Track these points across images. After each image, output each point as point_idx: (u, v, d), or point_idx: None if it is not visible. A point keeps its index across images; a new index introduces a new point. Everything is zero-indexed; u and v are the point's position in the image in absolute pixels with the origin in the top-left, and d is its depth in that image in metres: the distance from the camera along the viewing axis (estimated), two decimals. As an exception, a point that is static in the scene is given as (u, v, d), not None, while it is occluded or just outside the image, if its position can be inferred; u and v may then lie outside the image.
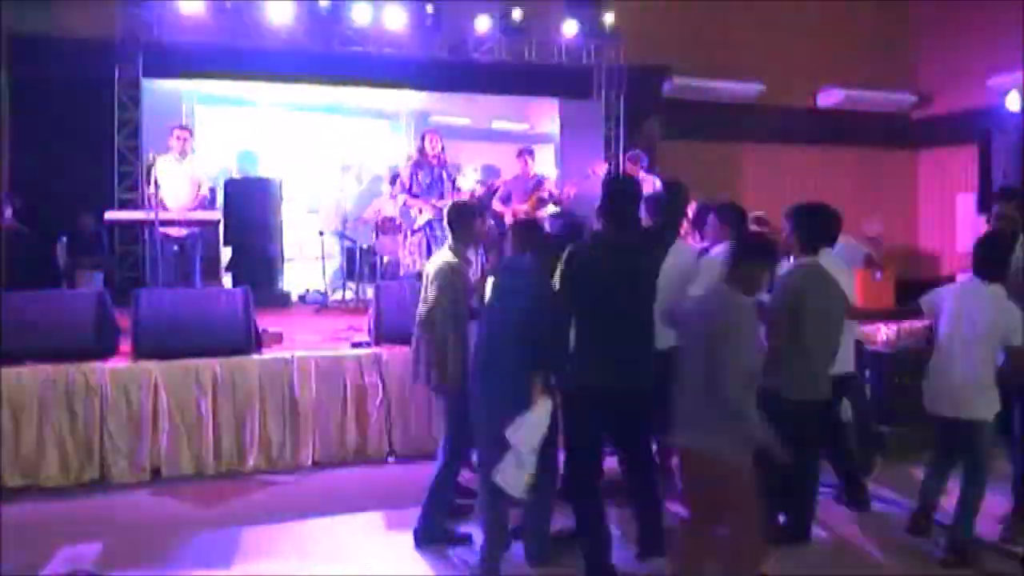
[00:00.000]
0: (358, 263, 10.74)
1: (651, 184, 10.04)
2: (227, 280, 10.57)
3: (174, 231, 8.93)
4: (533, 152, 10.60)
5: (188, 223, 9.02)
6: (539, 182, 10.29)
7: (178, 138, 9.14)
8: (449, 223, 5.62)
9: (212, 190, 10.08)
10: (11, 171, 10.25)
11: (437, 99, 13.59)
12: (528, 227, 5.43)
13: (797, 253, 5.21)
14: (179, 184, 9.00)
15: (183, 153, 9.14)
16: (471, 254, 6.39)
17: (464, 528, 5.56)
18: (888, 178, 14.92)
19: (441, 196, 9.38)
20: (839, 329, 5.15)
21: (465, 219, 5.55)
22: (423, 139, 9.80)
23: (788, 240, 5.30)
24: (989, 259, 5.21)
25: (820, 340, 5.02)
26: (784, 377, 4.97)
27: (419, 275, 6.63)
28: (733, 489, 4.16)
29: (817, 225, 5.27)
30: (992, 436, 5.22)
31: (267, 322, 7.87)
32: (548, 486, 4.95)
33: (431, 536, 5.39)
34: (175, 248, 9.06)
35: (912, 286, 8.22)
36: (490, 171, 12.61)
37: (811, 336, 4.96)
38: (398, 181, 10.42)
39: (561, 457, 4.96)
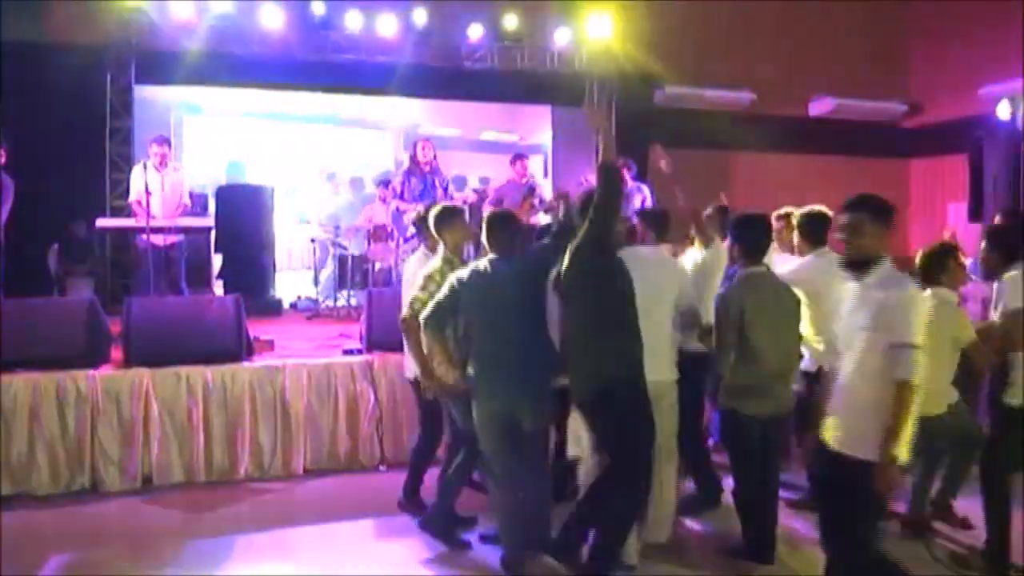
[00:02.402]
0: (350, 270, 10.73)
1: (640, 192, 10.08)
2: (218, 288, 10.55)
3: (158, 239, 8.95)
4: (527, 157, 10.61)
5: (179, 230, 9.04)
6: (531, 188, 10.30)
7: (156, 152, 9.20)
8: (436, 227, 5.54)
9: (197, 197, 10.12)
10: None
11: (427, 109, 13.61)
12: (505, 219, 5.23)
13: (740, 263, 5.17)
14: (160, 194, 9.01)
15: (162, 164, 9.19)
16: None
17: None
18: (879, 187, 14.70)
19: (433, 203, 9.37)
20: (791, 338, 5.17)
21: (451, 220, 5.54)
22: (415, 147, 9.83)
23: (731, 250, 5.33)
24: (923, 268, 5.46)
25: (770, 353, 5.00)
26: (743, 395, 5.01)
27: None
28: None
29: (756, 235, 5.21)
30: (954, 426, 5.41)
31: (258, 330, 7.87)
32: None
33: (440, 526, 5.45)
34: (163, 256, 9.08)
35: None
36: (460, 181, 12.64)
37: (759, 350, 4.96)
38: (390, 187, 10.44)
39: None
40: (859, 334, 3.80)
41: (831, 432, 3.93)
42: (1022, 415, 4.92)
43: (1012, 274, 5.04)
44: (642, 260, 5.08)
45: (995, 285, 5.28)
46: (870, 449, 3.68)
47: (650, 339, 4.77)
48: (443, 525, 5.50)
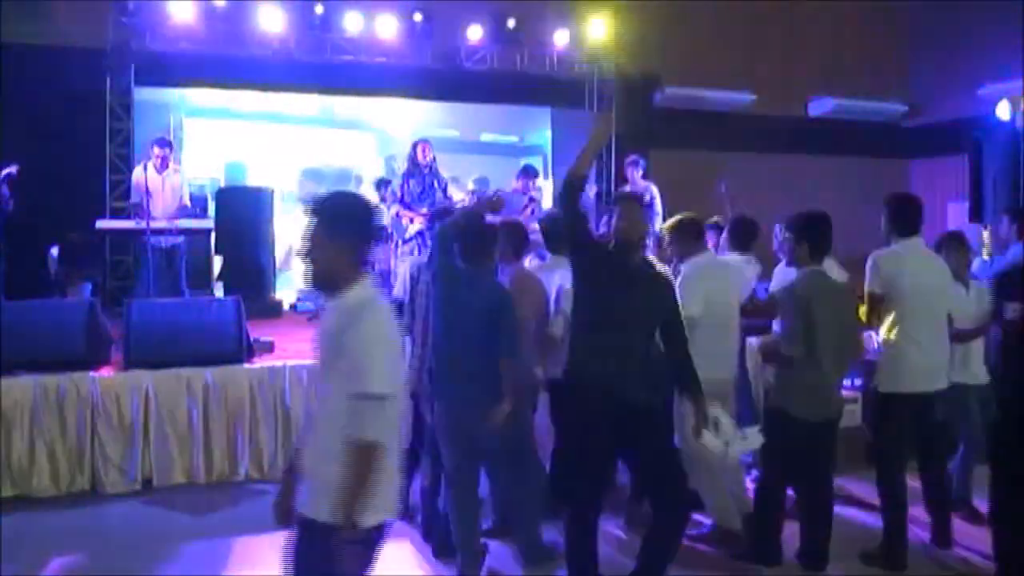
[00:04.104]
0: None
1: (647, 191, 10.06)
2: (219, 289, 10.54)
3: (159, 241, 8.95)
4: (537, 175, 10.54)
5: (179, 232, 9.04)
6: (531, 200, 10.27)
7: (158, 154, 9.21)
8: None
9: (197, 199, 10.12)
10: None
11: (427, 110, 13.59)
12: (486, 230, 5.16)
13: (804, 262, 5.04)
14: (160, 195, 9.01)
15: (163, 165, 9.20)
16: None
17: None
18: (879, 187, 14.90)
19: (432, 205, 9.38)
20: (847, 342, 5.08)
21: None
22: (415, 148, 9.81)
23: (784, 249, 5.26)
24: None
25: (830, 354, 4.90)
26: (798, 396, 4.91)
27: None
28: None
29: (823, 232, 5.09)
30: None
31: (259, 331, 7.86)
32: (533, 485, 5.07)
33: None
34: (162, 257, 9.08)
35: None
36: (482, 183, 12.63)
37: (821, 350, 4.85)
38: (389, 189, 10.43)
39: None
40: (324, 371, 3.15)
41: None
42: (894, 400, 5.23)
43: (874, 255, 5.35)
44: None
45: None
46: (330, 510, 2.99)
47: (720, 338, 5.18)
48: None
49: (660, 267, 4.86)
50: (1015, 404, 4.61)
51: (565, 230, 4.78)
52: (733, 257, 6.45)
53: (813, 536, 5.14)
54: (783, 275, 6.05)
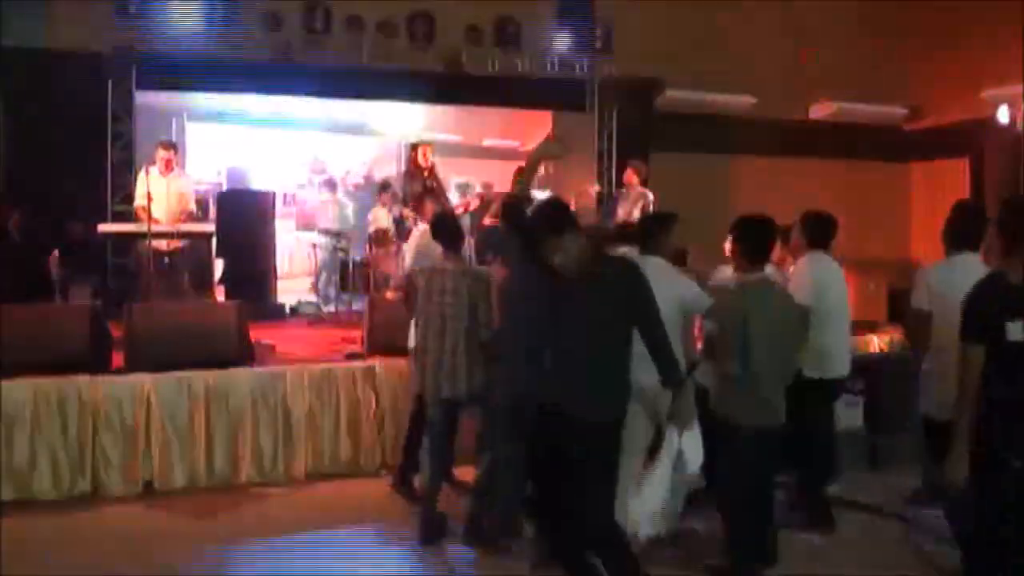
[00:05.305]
0: (352, 275, 10.73)
1: (644, 197, 10.05)
2: (220, 293, 10.54)
3: (163, 245, 8.95)
4: None
5: (181, 235, 9.04)
6: (531, 202, 10.25)
7: (162, 156, 9.19)
8: (439, 236, 5.70)
9: (197, 202, 10.13)
10: (5, 184, 10.24)
11: (428, 115, 13.58)
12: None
13: (743, 268, 4.91)
14: (164, 198, 9.01)
15: (168, 168, 9.19)
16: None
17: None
18: (881, 190, 14.96)
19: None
20: (792, 349, 4.98)
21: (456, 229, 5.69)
22: (416, 151, 9.82)
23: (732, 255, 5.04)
24: None
25: (770, 363, 4.77)
26: (735, 404, 4.79)
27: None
28: None
29: (761, 238, 4.91)
30: None
31: (260, 334, 7.88)
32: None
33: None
34: (165, 261, 9.08)
35: (905, 297, 8.25)
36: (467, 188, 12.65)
37: (760, 360, 4.69)
38: (390, 191, 10.45)
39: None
40: None
41: None
42: (937, 426, 4.57)
43: (924, 269, 5.11)
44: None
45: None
46: None
47: None
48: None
49: (622, 263, 4.51)
50: None
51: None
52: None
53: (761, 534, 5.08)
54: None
